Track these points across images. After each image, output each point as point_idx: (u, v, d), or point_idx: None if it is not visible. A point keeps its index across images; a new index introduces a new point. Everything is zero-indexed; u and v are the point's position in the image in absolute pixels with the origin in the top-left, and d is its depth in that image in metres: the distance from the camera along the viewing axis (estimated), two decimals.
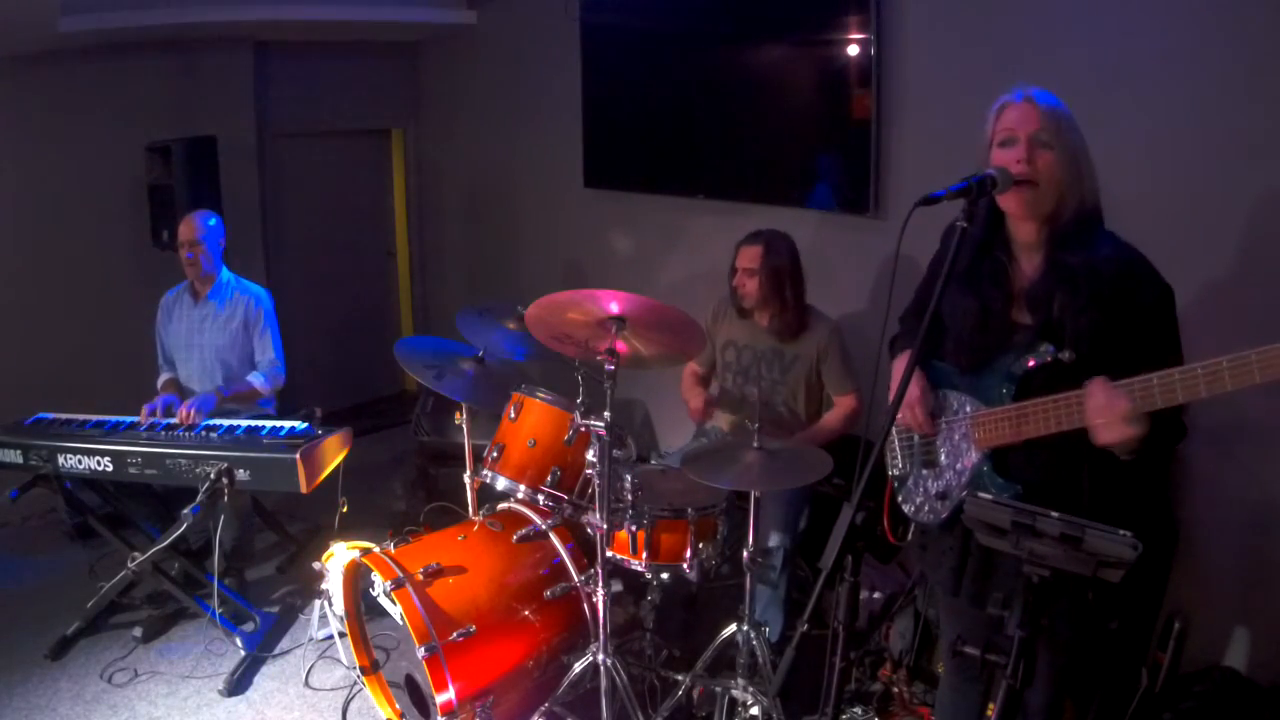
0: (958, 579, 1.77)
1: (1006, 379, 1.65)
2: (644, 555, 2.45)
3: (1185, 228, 2.38)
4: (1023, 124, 1.57)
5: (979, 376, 1.71)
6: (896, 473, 1.89)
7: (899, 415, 1.81)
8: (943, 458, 1.77)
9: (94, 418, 3.15)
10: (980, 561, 1.73)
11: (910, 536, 1.89)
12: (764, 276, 2.84)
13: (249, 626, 3.12)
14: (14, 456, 2.99)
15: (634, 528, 2.44)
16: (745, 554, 2.37)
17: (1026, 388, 1.63)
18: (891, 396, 1.80)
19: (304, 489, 2.87)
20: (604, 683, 2.32)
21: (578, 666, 2.43)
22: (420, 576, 2.34)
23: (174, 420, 3.12)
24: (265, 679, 2.92)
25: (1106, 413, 1.41)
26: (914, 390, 1.78)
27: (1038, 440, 1.59)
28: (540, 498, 2.51)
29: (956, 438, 1.74)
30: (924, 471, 1.82)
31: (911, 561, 3.03)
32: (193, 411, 3.11)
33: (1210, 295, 2.34)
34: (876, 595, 2.95)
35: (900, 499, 1.87)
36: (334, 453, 3.06)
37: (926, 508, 1.80)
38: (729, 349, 3.05)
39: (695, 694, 2.57)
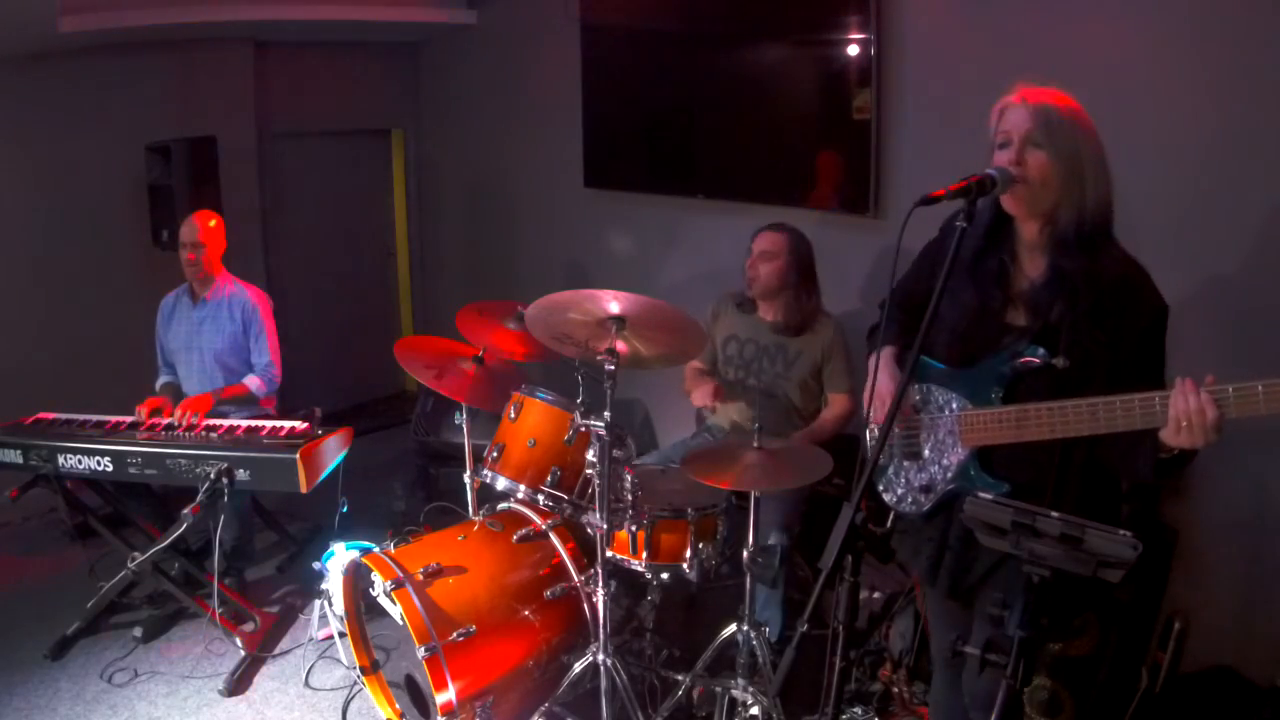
0: (934, 570, 1.79)
1: (996, 380, 1.65)
2: (644, 555, 2.45)
3: (1190, 229, 2.38)
4: (1017, 125, 1.57)
5: (966, 374, 1.71)
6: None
7: (877, 414, 1.82)
8: (926, 451, 1.78)
9: (94, 417, 3.15)
10: (958, 555, 1.74)
11: (889, 525, 1.89)
12: (786, 263, 2.87)
13: (249, 626, 3.12)
14: (14, 456, 2.99)
15: (634, 528, 2.44)
16: (745, 554, 2.37)
17: (1014, 390, 1.63)
18: (868, 390, 1.81)
19: (304, 489, 2.88)
20: (604, 683, 2.32)
21: (578, 666, 2.43)
22: (420, 576, 2.34)
23: (173, 420, 3.12)
24: (265, 679, 2.92)
25: (1195, 417, 1.37)
26: (889, 384, 1.81)
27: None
28: (540, 498, 2.51)
29: (941, 434, 1.74)
30: (906, 463, 1.82)
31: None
32: (189, 414, 3.11)
33: (1214, 297, 2.34)
34: (876, 595, 2.95)
35: (881, 488, 1.87)
36: (334, 453, 3.06)
37: (909, 499, 1.81)
38: (730, 343, 3.05)
39: (695, 694, 2.57)
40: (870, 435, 1.88)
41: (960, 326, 1.71)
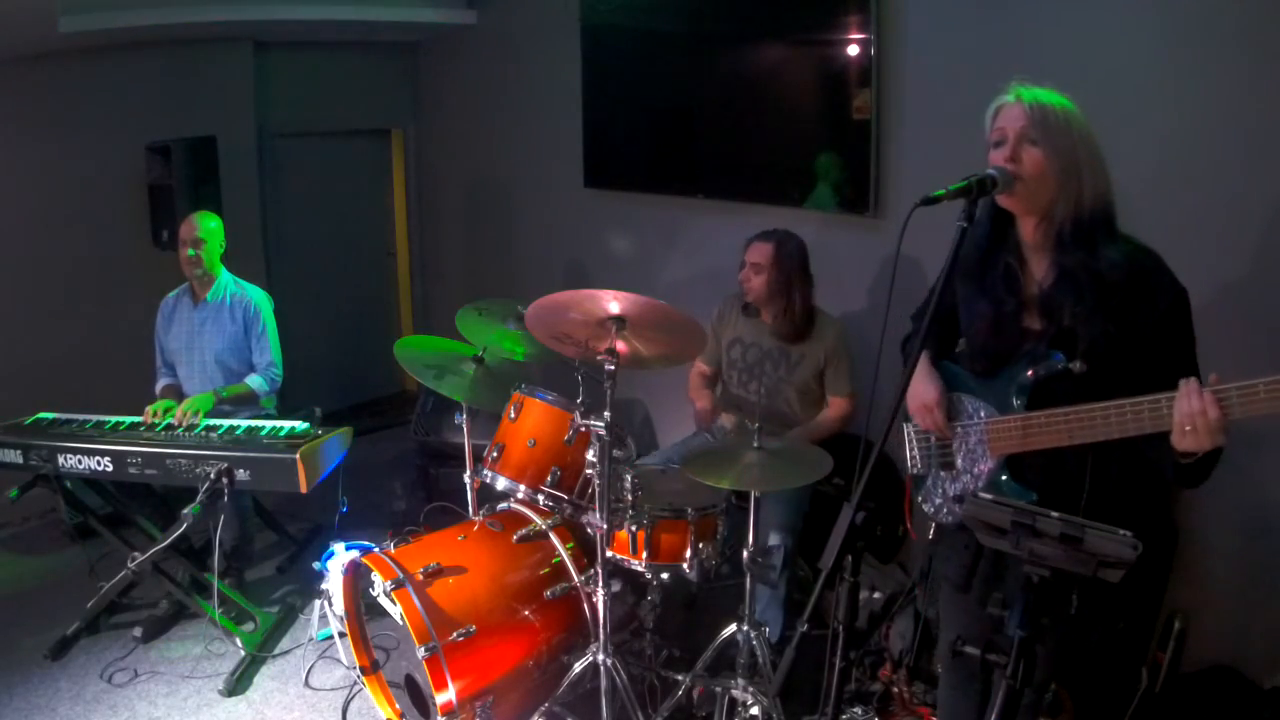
0: (969, 576, 1.78)
1: (1018, 389, 1.65)
2: (644, 555, 2.45)
3: (1198, 228, 2.37)
4: (1011, 123, 1.57)
5: (993, 382, 1.71)
6: (916, 472, 1.89)
7: (921, 421, 1.81)
8: (959, 461, 1.78)
9: (94, 418, 3.15)
10: (992, 563, 1.73)
11: (930, 536, 1.89)
12: (773, 274, 2.85)
13: (249, 626, 3.13)
14: (14, 456, 2.99)
15: (634, 528, 2.44)
16: (745, 554, 2.37)
17: (1038, 397, 1.63)
18: (908, 401, 1.80)
19: (304, 489, 2.87)
20: (604, 683, 2.32)
21: (578, 666, 2.43)
22: (420, 576, 2.34)
23: (173, 420, 3.12)
24: (265, 679, 2.92)
25: (1198, 419, 1.37)
26: (933, 393, 1.77)
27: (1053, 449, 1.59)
28: (540, 498, 2.51)
29: (972, 442, 1.74)
30: (942, 474, 1.82)
31: (914, 558, 3.04)
32: (189, 413, 3.11)
33: (1224, 296, 2.33)
34: (876, 595, 2.95)
35: (920, 499, 1.87)
36: (334, 453, 3.06)
37: (945, 509, 1.81)
38: (735, 347, 3.05)
39: (695, 694, 2.57)
40: (911, 442, 1.88)
41: (980, 338, 1.71)
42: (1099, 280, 1.55)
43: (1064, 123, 1.55)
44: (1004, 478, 1.69)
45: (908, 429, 1.87)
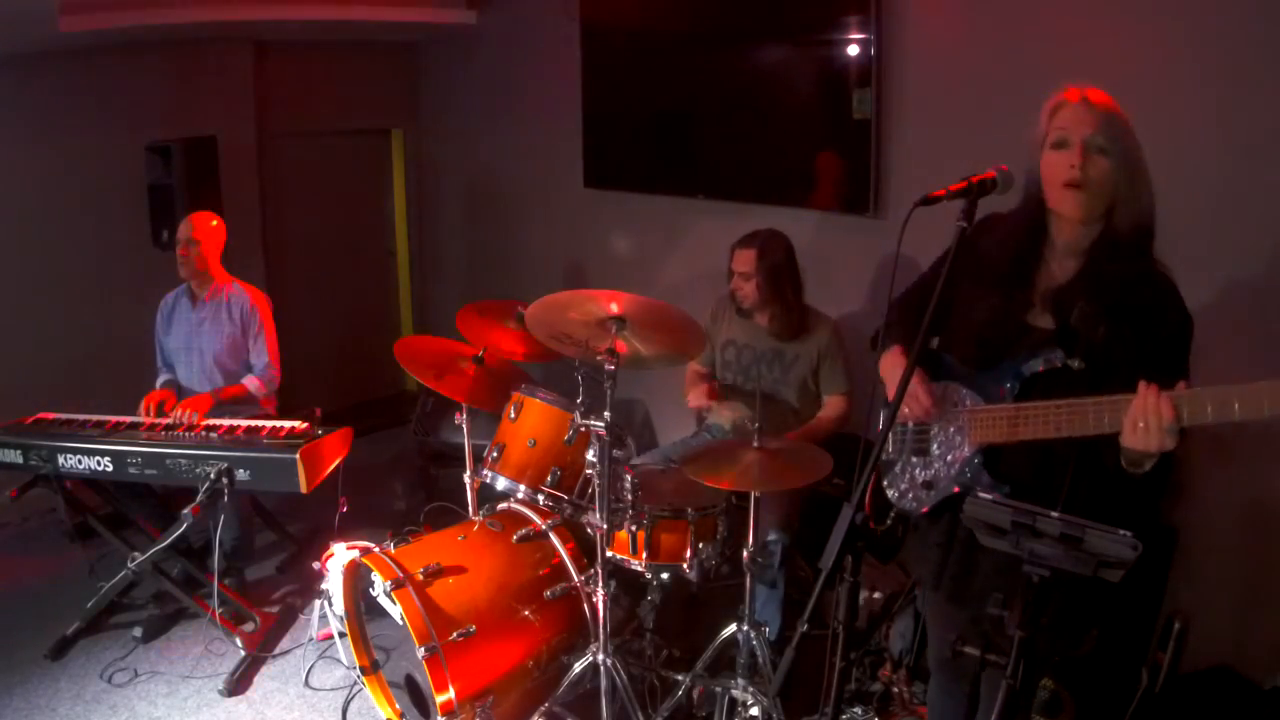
0: (939, 574, 1.78)
1: (1013, 378, 1.64)
2: (644, 555, 2.45)
3: (1195, 232, 2.37)
4: (1078, 126, 1.54)
5: (984, 372, 1.70)
6: (885, 458, 1.87)
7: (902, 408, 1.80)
8: (935, 448, 1.77)
9: (94, 418, 3.15)
10: (961, 560, 1.73)
11: (889, 522, 1.88)
12: (761, 279, 2.85)
13: (249, 626, 3.13)
14: (14, 456, 2.98)
15: (634, 528, 2.44)
16: (745, 554, 2.37)
17: (1030, 390, 1.62)
18: (889, 394, 1.80)
19: (304, 489, 2.87)
20: (604, 683, 2.32)
21: (578, 666, 2.43)
22: (420, 576, 2.34)
23: (173, 420, 3.12)
24: (265, 679, 2.92)
25: (1150, 416, 1.38)
26: (913, 382, 1.76)
27: (1032, 441, 1.59)
28: (540, 498, 2.51)
29: (951, 430, 1.74)
30: (914, 459, 1.81)
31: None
32: (189, 413, 3.11)
33: (1220, 300, 2.33)
34: (876, 595, 2.95)
35: (885, 483, 1.86)
36: (334, 453, 3.06)
37: (911, 495, 1.80)
38: (729, 348, 3.05)
39: (695, 694, 2.57)
40: (892, 434, 1.86)
41: (979, 327, 1.70)
42: (1119, 286, 1.54)
43: (1126, 130, 1.54)
44: (977, 462, 1.68)
45: (885, 413, 1.86)
